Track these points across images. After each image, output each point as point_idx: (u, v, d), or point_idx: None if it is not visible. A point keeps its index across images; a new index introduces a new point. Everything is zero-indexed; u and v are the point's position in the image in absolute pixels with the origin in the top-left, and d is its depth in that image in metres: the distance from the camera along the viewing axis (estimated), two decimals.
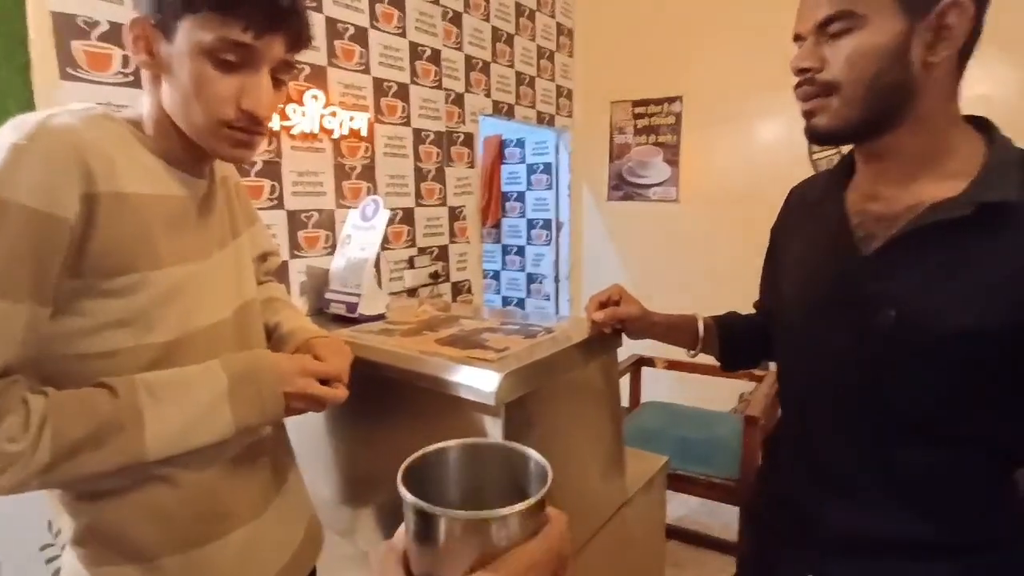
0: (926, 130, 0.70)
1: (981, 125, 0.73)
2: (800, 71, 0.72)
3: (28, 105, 1.45)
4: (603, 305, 1.03)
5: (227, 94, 0.67)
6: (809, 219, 0.86)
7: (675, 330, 1.06)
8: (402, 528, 0.33)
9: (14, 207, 0.57)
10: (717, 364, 1.10)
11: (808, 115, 0.74)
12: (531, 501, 0.30)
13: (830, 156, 2.89)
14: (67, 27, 1.46)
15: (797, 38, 0.74)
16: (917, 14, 0.65)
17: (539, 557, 0.29)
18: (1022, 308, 0.63)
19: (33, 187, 0.58)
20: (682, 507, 2.55)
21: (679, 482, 2.06)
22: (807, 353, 0.81)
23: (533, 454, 0.34)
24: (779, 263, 0.92)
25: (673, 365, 2.51)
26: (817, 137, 0.75)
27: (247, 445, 0.79)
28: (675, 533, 2.37)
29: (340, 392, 0.80)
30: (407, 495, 0.31)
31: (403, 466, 0.33)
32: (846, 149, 0.82)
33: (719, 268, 3.15)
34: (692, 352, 1.07)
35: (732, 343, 1.06)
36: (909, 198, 0.71)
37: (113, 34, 1.54)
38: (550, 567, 0.30)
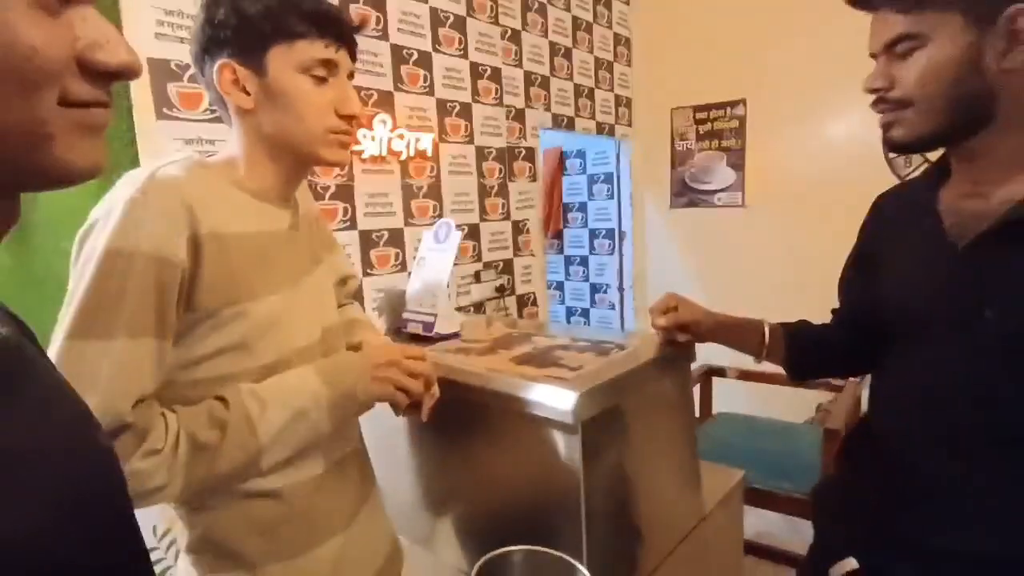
0: (1018, 130, 0.70)
1: None
2: (872, 90, 0.76)
3: (131, 144, 1.58)
4: (665, 313, 1.04)
5: (326, 104, 0.75)
6: (905, 226, 0.85)
7: (741, 332, 1.04)
8: None
9: (139, 257, 0.64)
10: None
11: (885, 127, 0.76)
12: None
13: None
14: (162, 71, 1.59)
15: (873, 55, 0.76)
16: (984, 23, 0.66)
17: None
18: None
19: (151, 236, 0.65)
20: (760, 522, 2.47)
21: (756, 497, 2.00)
22: (909, 358, 0.81)
23: (580, 568, 0.39)
24: (875, 274, 0.90)
25: (745, 375, 2.44)
26: (895, 148, 0.77)
27: (335, 460, 0.84)
28: (753, 549, 2.29)
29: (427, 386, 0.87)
30: None
31: (476, 566, 0.38)
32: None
33: (790, 273, 3.04)
34: (758, 359, 1.05)
35: (799, 350, 1.03)
36: (1002, 195, 0.71)
37: None
38: None
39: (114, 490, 0.39)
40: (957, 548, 0.73)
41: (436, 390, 0.88)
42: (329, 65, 0.75)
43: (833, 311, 1.05)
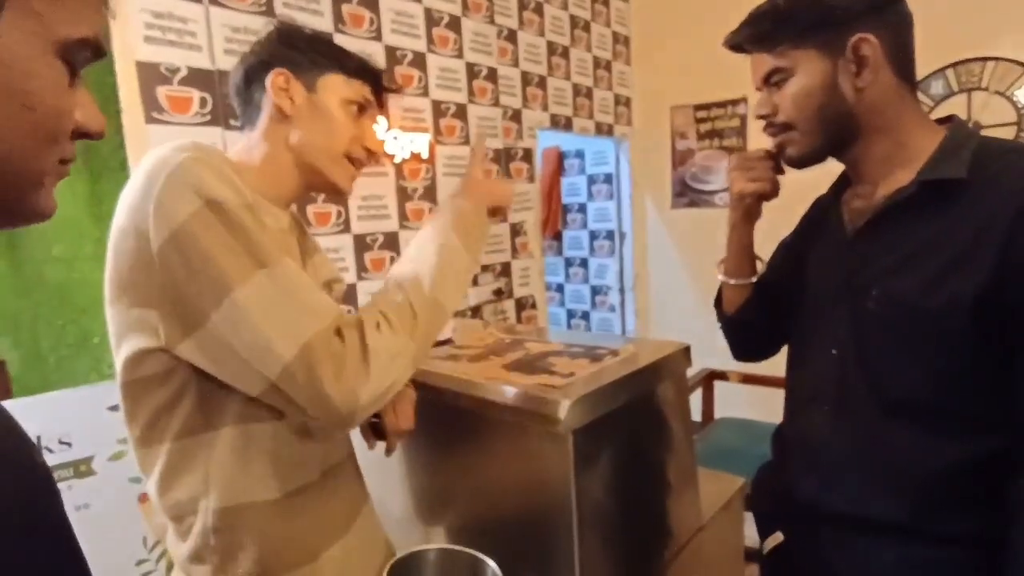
0: (886, 135, 0.80)
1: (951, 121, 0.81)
2: (760, 117, 0.87)
3: (119, 148, 1.56)
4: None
5: (355, 136, 0.84)
6: (820, 224, 0.96)
7: (750, 248, 1.04)
8: None
9: (227, 202, 0.65)
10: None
11: (780, 149, 0.87)
12: None
13: None
14: (151, 75, 1.57)
15: (758, 89, 0.88)
16: (835, 53, 0.78)
17: None
18: (981, 277, 0.68)
19: (227, 186, 0.66)
20: None
21: None
22: (814, 341, 0.89)
23: (491, 564, 0.43)
24: (801, 265, 0.98)
25: (748, 379, 2.41)
26: (792, 164, 0.88)
27: (329, 466, 0.83)
28: (758, 556, 2.26)
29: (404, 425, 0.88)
30: None
31: (389, 564, 0.41)
32: None
33: None
34: (735, 279, 1.03)
35: (759, 306, 1.04)
36: (882, 190, 0.81)
37: (192, 78, 1.64)
38: None
39: (53, 507, 0.40)
40: (855, 513, 0.82)
41: (411, 423, 0.88)
42: (368, 106, 0.86)
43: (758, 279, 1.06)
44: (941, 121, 0.83)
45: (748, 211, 0.99)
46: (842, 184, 0.94)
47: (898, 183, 0.79)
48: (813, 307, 0.92)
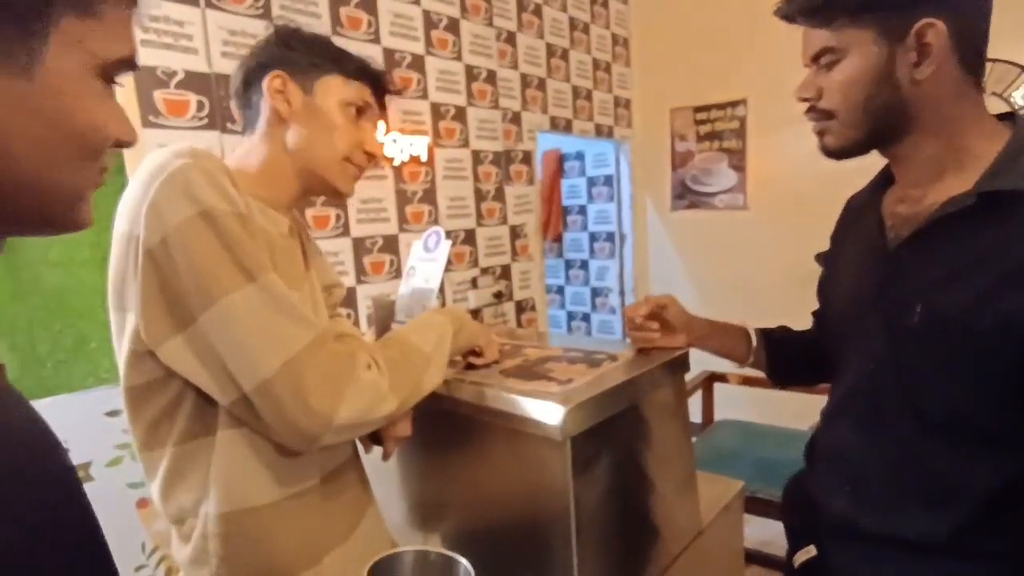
0: (940, 134, 0.72)
1: (1014, 121, 0.74)
2: (802, 99, 0.81)
3: (115, 153, 1.56)
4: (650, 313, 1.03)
5: (355, 139, 0.84)
6: (855, 225, 0.90)
7: (728, 337, 1.05)
8: None
9: (220, 212, 0.65)
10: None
11: (819, 135, 0.81)
12: None
13: None
14: (148, 78, 1.57)
15: (806, 65, 0.81)
16: (895, 38, 0.69)
17: None
18: None
19: (221, 195, 0.66)
20: (765, 531, 2.42)
21: (759, 506, 1.96)
22: (847, 353, 0.85)
23: (464, 562, 0.44)
24: (831, 270, 0.95)
25: (747, 381, 2.40)
26: (829, 154, 0.81)
27: (330, 470, 0.83)
28: (757, 558, 2.25)
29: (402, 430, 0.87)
30: None
31: (367, 568, 0.42)
32: None
33: (794, 278, 3.00)
34: (742, 364, 1.06)
35: (784, 357, 1.05)
36: (932, 197, 0.73)
37: (189, 82, 1.64)
38: None
39: (80, 509, 0.40)
40: (889, 531, 0.78)
41: (409, 429, 0.88)
42: (368, 108, 0.86)
43: (813, 313, 1.06)
44: (1002, 116, 0.75)
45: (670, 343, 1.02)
46: (882, 182, 0.87)
47: (950, 190, 0.71)
48: (843, 315, 0.86)
